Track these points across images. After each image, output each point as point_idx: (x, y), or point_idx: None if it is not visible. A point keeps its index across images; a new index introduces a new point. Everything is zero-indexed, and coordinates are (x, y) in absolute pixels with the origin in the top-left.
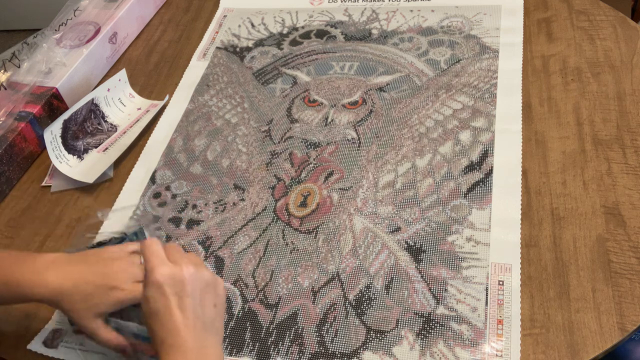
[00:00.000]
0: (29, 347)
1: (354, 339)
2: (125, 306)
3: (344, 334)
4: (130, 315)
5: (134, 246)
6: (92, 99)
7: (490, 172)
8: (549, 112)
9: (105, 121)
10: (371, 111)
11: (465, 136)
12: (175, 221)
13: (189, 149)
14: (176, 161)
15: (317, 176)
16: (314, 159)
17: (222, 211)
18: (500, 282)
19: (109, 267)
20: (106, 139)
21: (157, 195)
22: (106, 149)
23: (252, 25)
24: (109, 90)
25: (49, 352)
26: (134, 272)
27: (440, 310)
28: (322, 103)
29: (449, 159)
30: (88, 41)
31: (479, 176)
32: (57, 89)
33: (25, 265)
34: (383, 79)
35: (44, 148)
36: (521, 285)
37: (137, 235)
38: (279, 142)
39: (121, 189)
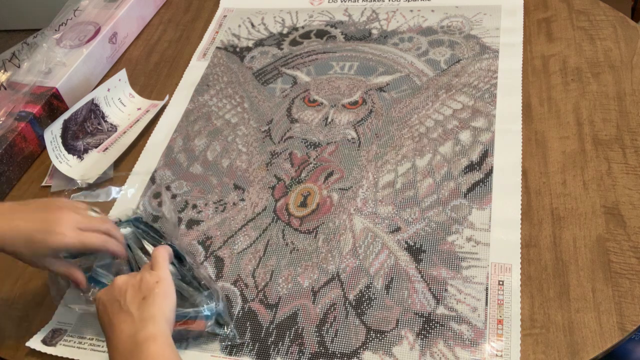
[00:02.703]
0: (27, 344)
1: (354, 339)
2: (68, 251)
3: (344, 334)
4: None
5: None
6: (92, 99)
7: (490, 172)
8: (549, 112)
9: (105, 121)
10: (371, 111)
11: (465, 136)
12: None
13: (189, 149)
14: (176, 161)
15: (317, 176)
16: (314, 159)
17: (222, 211)
18: (500, 282)
19: (50, 213)
20: (106, 139)
21: (157, 195)
22: (106, 149)
23: (252, 25)
24: (109, 90)
25: (48, 350)
26: (76, 219)
27: (440, 310)
28: (322, 103)
29: (449, 159)
30: (88, 41)
31: (479, 176)
32: (57, 89)
33: None
34: (383, 79)
35: (44, 148)
36: (521, 285)
37: (132, 223)
38: (279, 142)
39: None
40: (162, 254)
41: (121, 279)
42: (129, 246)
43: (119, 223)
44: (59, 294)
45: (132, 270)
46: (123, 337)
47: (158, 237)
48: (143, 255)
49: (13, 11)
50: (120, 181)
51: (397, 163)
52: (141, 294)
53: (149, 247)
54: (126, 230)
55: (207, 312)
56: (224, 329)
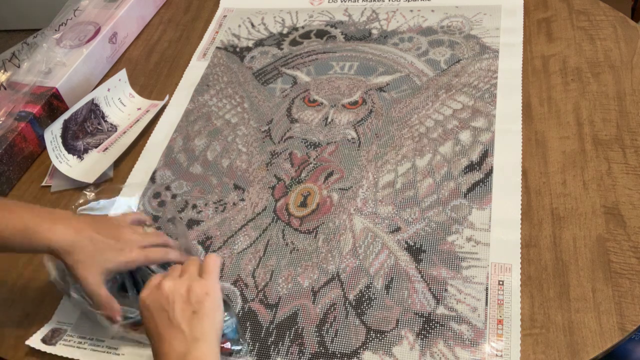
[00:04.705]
0: (27, 342)
1: (354, 339)
2: (129, 268)
3: (344, 334)
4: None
5: (133, 216)
6: (92, 99)
7: (490, 172)
8: (549, 112)
9: (105, 121)
10: (371, 111)
11: (465, 136)
12: (175, 221)
13: (189, 149)
14: (176, 161)
15: (317, 176)
16: (314, 159)
17: (222, 211)
18: (500, 282)
19: (118, 232)
20: (106, 139)
21: (157, 195)
22: (106, 149)
23: (252, 25)
24: (109, 90)
25: (47, 349)
26: (138, 239)
27: (440, 310)
28: (322, 103)
29: (449, 159)
30: (88, 41)
31: (479, 176)
32: (57, 89)
33: (42, 216)
34: (383, 79)
35: (44, 148)
36: (521, 285)
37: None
38: (279, 142)
39: (121, 186)
40: (214, 261)
41: (168, 285)
42: None
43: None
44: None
45: (134, 281)
46: (173, 355)
47: None
48: (147, 267)
49: (13, 11)
50: (115, 192)
51: (397, 163)
52: (191, 307)
53: None
54: None
55: (225, 330)
56: (241, 345)
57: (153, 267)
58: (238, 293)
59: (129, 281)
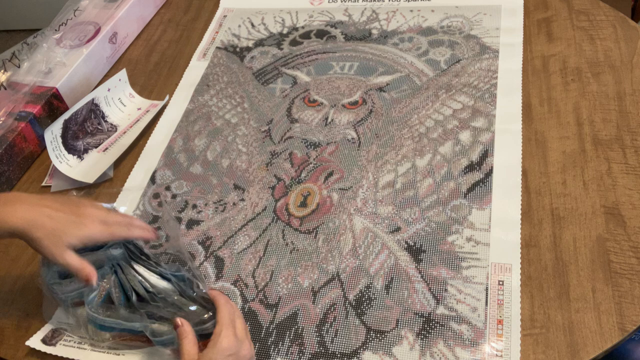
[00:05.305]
0: (27, 343)
1: (354, 339)
2: (92, 243)
3: (344, 334)
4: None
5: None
6: (93, 99)
7: (490, 172)
8: (549, 112)
9: (106, 121)
10: (371, 111)
11: (465, 136)
12: (169, 221)
13: (189, 149)
14: (176, 161)
15: (317, 176)
16: (314, 159)
17: (222, 211)
18: (500, 282)
19: (78, 208)
20: (106, 139)
21: (156, 195)
22: (106, 149)
23: (252, 25)
24: (109, 90)
25: (48, 350)
26: (100, 214)
27: (440, 310)
28: (322, 103)
29: (449, 159)
30: (88, 41)
31: (479, 176)
32: (57, 89)
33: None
34: (383, 79)
35: (44, 148)
36: (521, 285)
37: (123, 243)
38: (279, 142)
39: (121, 189)
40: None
41: (224, 346)
42: (119, 266)
43: (108, 244)
44: (50, 311)
45: (124, 291)
46: None
47: (148, 260)
48: (136, 274)
49: (13, 11)
50: (112, 198)
51: (397, 163)
52: None
53: (140, 268)
54: (116, 251)
55: (210, 330)
56: None
57: (141, 271)
58: (238, 293)
59: (118, 289)
